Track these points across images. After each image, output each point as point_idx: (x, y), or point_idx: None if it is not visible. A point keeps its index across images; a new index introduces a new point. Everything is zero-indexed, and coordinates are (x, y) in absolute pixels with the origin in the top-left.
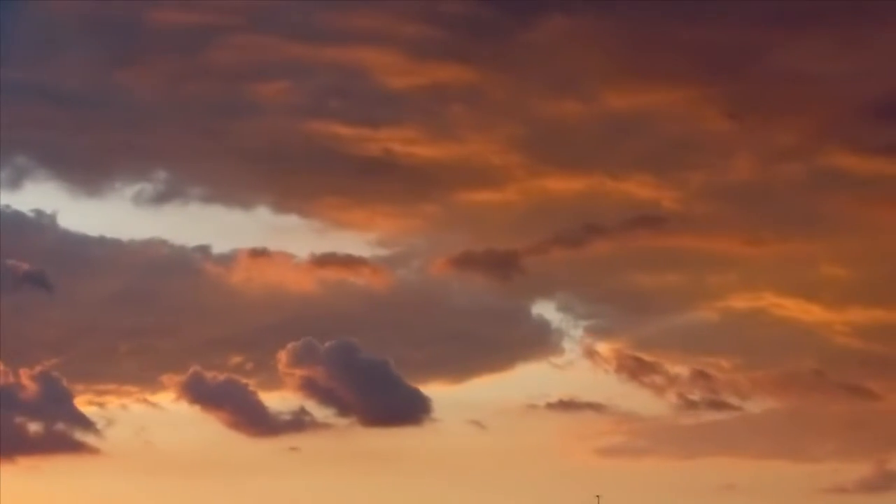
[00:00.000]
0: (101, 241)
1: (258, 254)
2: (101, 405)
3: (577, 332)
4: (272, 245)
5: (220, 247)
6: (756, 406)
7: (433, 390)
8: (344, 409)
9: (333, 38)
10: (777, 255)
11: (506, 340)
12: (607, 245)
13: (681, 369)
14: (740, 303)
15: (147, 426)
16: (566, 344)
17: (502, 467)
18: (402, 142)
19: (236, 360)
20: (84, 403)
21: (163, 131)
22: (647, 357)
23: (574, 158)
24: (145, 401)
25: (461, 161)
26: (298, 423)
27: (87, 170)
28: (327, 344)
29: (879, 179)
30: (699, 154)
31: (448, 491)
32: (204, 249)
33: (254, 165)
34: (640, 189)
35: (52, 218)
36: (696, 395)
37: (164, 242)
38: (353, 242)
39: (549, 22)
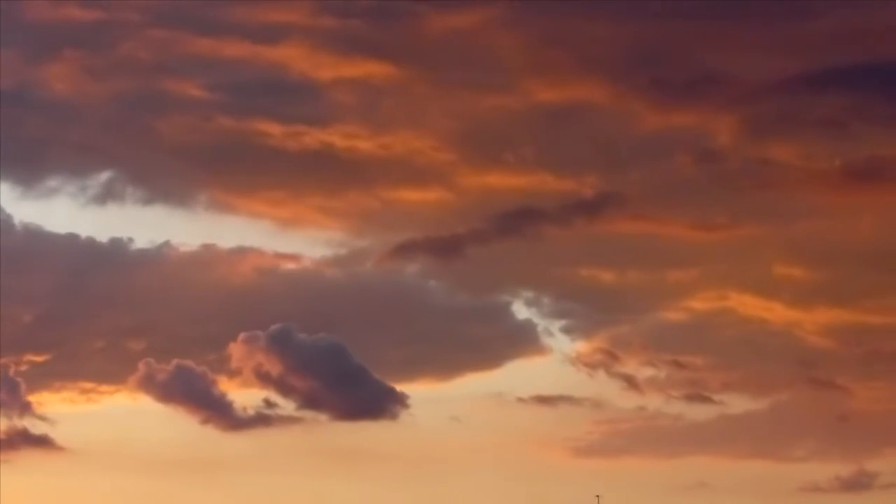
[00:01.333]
0: (38, 236)
1: (198, 249)
2: (56, 402)
3: (554, 331)
4: (211, 240)
5: (159, 242)
6: (732, 406)
7: (407, 387)
8: (309, 403)
9: (247, 33)
10: (730, 244)
11: (483, 338)
12: (555, 235)
13: (656, 369)
14: (706, 302)
15: (106, 422)
16: (542, 342)
17: (478, 465)
18: (333, 137)
19: (192, 353)
20: (39, 399)
21: (89, 127)
22: (622, 356)
23: (506, 151)
24: (99, 396)
25: (395, 156)
26: (264, 417)
27: (22, 165)
28: (271, 330)
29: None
30: (630, 145)
31: (420, 486)
32: (138, 242)
33: (187, 161)
34: (575, 181)
35: None
36: (672, 395)
37: (101, 238)
38: (289, 236)
39: (470, 13)
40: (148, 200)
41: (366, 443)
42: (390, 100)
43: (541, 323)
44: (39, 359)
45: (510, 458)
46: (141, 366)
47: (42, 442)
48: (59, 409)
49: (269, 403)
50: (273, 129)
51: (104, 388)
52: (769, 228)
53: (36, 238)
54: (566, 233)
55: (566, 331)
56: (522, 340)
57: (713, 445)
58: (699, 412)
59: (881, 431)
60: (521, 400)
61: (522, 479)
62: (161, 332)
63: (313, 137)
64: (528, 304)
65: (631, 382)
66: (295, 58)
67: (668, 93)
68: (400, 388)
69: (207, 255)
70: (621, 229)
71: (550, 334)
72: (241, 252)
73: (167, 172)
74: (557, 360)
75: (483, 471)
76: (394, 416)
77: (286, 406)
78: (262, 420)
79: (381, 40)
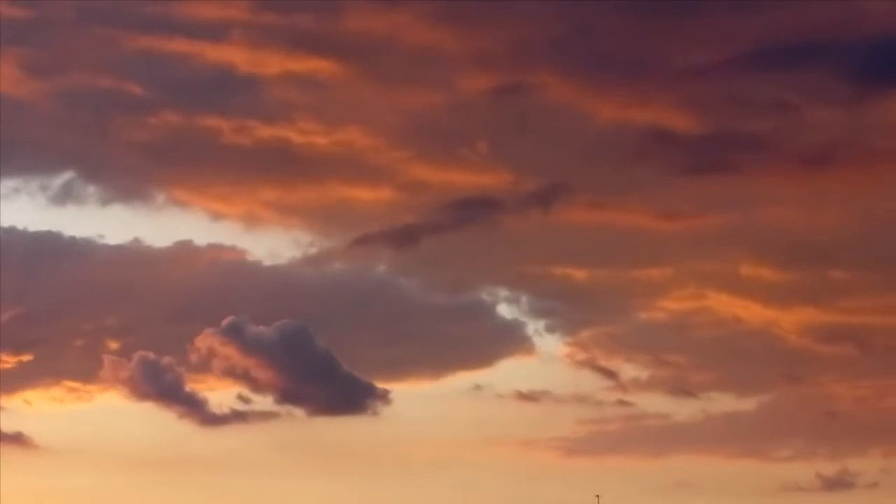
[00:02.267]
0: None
1: (158, 246)
2: (29, 400)
3: (538, 330)
4: (172, 238)
5: (115, 238)
6: (716, 405)
7: (390, 385)
8: (285, 397)
9: (188, 30)
10: (697, 236)
11: (464, 336)
12: (514, 228)
13: (639, 369)
14: (683, 302)
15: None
16: (526, 341)
17: (462, 464)
18: (284, 133)
19: (162, 349)
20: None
21: (39, 125)
22: (605, 355)
23: (456, 145)
24: (71, 394)
25: (346, 152)
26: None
27: None
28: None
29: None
30: (582, 134)
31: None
32: (100, 240)
33: (141, 159)
34: (530, 173)
35: None
36: (656, 394)
37: (61, 234)
38: (247, 232)
39: (411, 7)
40: (107, 199)
41: (346, 440)
42: (336, 96)
43: (523, 322)
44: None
45: (495, 457)
46: (113, 363)
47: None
48: (31, 408)
49: (243, 398)
50: (222, 125)
51: (74, 384)
52: (732, 217)
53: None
54: (525, 225)
55: (549, 330)
56: (506, 339)
57: (697, 444)
58: (684, 411)
59: (864, 431)
60: (504, 398)
61: (507, 477)
62: (130, 330)
63: (263, 133)
64: (508, 302)
65: (616, 382)
66: (238, 54)
67: (620, 81)
68: (383, 385)
69: (167, 252)
70: (582, 220)
71: (534, 333)
72: (201, 248)
73: (123, 170)
74: (541, 360)
75: (467, 469)
76: (375, 413)
77: (262, 401)
78: (237, 416)
79: (324, 36)
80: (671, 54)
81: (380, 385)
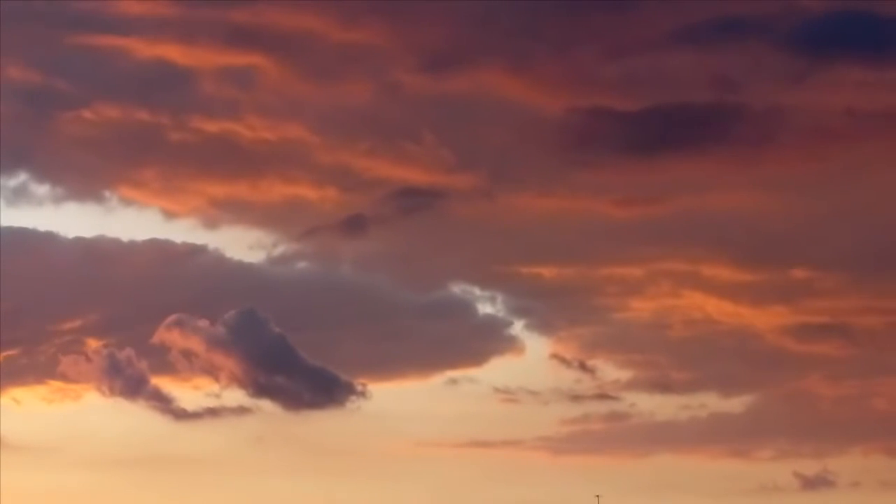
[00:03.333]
0: None
1: (111, 242)
2: None
3: (518, 329)
4: (122, 233)
5: (67, 233)
6: (698, 405)
7: (368, 383)
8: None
9: (117, 27)
10: (654, 223)
11: (444, 334)
12: (463, 218)
13: (622, 368)
14: (657, 300)
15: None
16: (507, 341)
17: (444, 462)
18: (224, 127)
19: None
20: None
21: None
22: (588, 355)
23: (396, 138)
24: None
25: (286, 146)
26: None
27: None
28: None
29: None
30: (522, 123)
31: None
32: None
33: (87, 155)
34: (473, 165)
35: None
36: (638, 394)
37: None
38: (192, 227)
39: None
40: (58, 197)
41: (324, 437)
42: (275, 91)
43: (503, 320)
44: None
45: (478, 457)
46: (76, 359)
47: None
48: None
49: (214, 395)
50: (162, 121)
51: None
52: (686, 203)
53: None
54: (475, 217)
55: (529, 329)
56: (488, 338)
57: (681, 444)
58: (666, 411)
59: (845, 431)
60: (486, 397)
61: (490, 477)
62: (93, 326)
63: (207, 127)
64: (484, 301)
65: (597, 381)
66: (170, 50)
67: (556, 65)
68: (364, 383)
69: (120, 248)
70: (534, 210)
71: (515, 332)
72: (153, 243)
73: (72, 167)
74: (522, 359)
75: (450, 469)
76: (354, 410)
77: (234, 397)
78: (210, 412)
79: (258, 31)
80: (607, 35)
81: (359, 382)
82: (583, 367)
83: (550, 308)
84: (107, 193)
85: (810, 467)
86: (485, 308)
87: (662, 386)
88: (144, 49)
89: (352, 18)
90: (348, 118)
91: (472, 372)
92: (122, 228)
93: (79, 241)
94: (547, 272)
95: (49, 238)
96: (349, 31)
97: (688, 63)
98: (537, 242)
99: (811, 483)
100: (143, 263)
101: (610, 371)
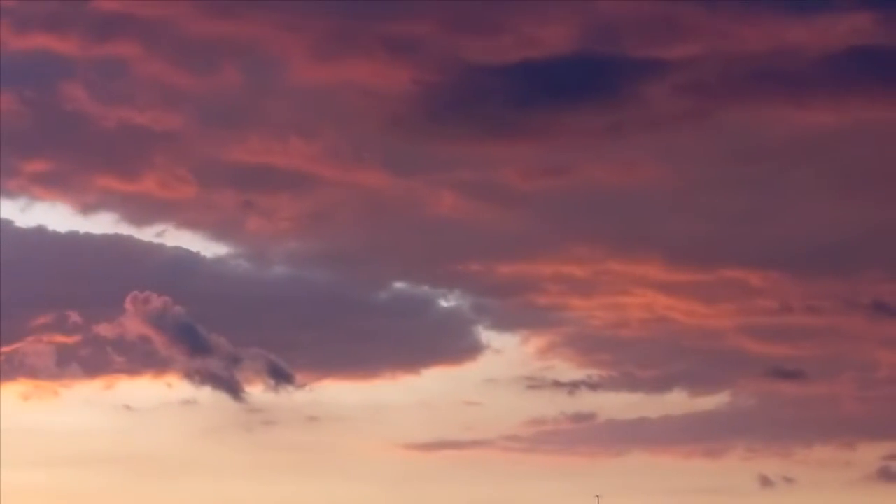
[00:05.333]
0: None
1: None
2: None
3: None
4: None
5: None
6: (662, 404)
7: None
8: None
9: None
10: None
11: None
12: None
13: (588, 369)
14: (611, 298)
15: None
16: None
17: (407, 463)
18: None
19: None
20: None
21: None
22: (552, 355)
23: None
24: None
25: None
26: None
27: None
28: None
29: None
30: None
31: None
32: None
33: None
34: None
35: None
36: (598, 395)
37: None
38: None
39: None
40: None
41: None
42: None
43: (464, 319)
44: None
45: (442, 458)
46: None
47: None
48: None
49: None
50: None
51: None
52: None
53: None
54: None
55: (490, 328)
56: (447, 338)
57: (649, 444)
58: (632, 411)
59: (810, 430)
60: (450, 398)
61: (457, 478)
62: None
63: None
64: (443, 299)
65: (562, 382)
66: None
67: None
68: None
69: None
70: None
71: (476, 332)
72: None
73: None
74: (485, 359)
75: (416, 469)
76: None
77: (187, 389)
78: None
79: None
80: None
81: (312, 382)
82: (547, 367)
83: (507, 308)
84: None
85: (777, 467)
86: (444, 307)
87: (626, 386)
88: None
89: (225, 8)
90: (223, 108)
91: (431, 373)
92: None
93: None
94: (501, 269)
95: None
96: (222, 20)
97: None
98: (460, 239)
99: (776, 482)
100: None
101: (570, 371)
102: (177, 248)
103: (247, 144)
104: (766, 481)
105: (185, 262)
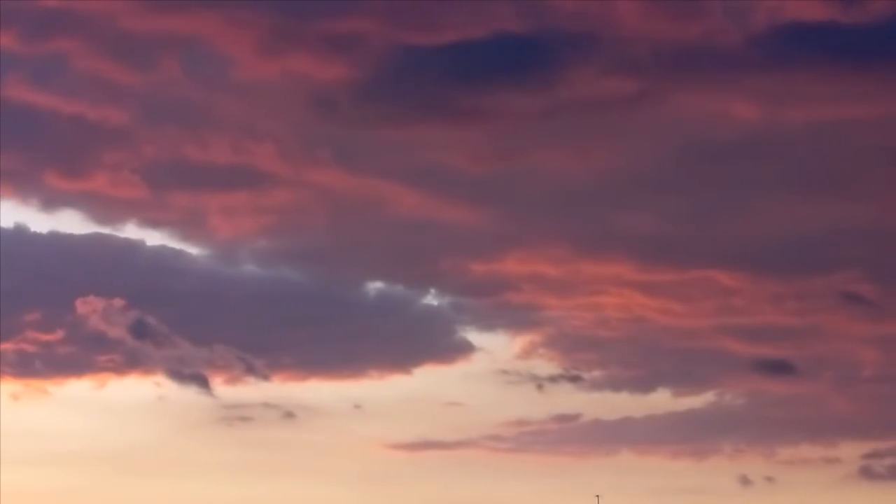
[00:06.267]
0: None
1: None
2: None
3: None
4: None
5: None
6: (645, 405)
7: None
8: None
9: None
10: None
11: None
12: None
13: (569, 370)
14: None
15: None
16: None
17: (390, 463)
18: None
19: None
20: None
21: None
22: (535, 355)
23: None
24: None
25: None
26: None
27: None
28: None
29: None
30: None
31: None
32: None
33: None
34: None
35: None
36: (583, 395)
37: None
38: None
39: None
40: None
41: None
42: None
43: (444, 319)
44: None
45: (426, 458)
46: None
47: None
48: None
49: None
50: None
51: None
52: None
53: None
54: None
55: (474, 329)
56: (429, 337)
57: (633, 444)
58: (616, 411)
59: (795, 430)
60: (430, 398)
61: (438, 478)
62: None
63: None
64: (425, 299)
65: (545, 381)
66: None
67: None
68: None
69: None
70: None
71: (458, 332)
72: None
73: None
74: (468, 360)
75: (398, 470)
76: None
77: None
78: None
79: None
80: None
81: (293, 381)
82: (529, 366)
83: (486, 308)
84: None
85: (761, 468)
86: (425, 307)
87: (610, 386)
88: None
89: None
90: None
91: (415, 373)
92: None
93: None
94: (477, 268)
95: None
96: (162, 16)
97: None
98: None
99: (761, 482)
100: None
101: (549, 369)
102: (161, 248)
103: (197, 142)
104: (745, 480)
105: (166, 260)
